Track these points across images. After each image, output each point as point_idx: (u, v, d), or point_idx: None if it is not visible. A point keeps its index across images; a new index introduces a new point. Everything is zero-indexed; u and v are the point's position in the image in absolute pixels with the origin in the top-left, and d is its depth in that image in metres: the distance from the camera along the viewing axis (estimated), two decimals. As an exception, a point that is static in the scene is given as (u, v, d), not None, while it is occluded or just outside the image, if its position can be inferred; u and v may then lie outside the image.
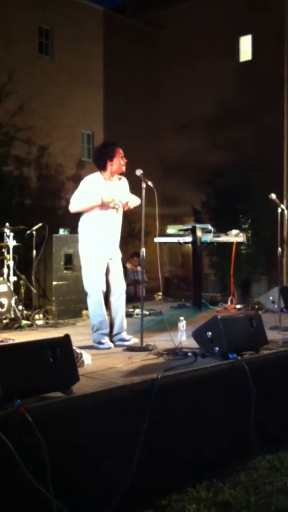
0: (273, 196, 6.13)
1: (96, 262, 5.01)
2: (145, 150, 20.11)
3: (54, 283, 7.24)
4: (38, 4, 18.77)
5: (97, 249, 4.99)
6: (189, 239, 8.59)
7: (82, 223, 5.09)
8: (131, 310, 7.08)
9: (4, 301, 6.57)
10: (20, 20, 18.21)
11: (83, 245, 5.08)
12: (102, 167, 5.07)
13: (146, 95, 22.44)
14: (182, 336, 5.09)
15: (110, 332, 5.12)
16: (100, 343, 4.97)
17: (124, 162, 5.07)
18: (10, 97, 14.62)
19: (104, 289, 5.06)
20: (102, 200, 4.92)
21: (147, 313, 7.15)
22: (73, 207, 5.06)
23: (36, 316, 6.88)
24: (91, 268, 5.04)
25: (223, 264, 13.57)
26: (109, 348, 4.93)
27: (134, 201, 5.06)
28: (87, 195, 5.00)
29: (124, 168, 5.09)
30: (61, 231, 7.27)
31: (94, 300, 5.04)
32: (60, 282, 7.30)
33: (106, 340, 5.00)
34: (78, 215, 5.14)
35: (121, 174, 5.18)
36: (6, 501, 2.70)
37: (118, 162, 5.04)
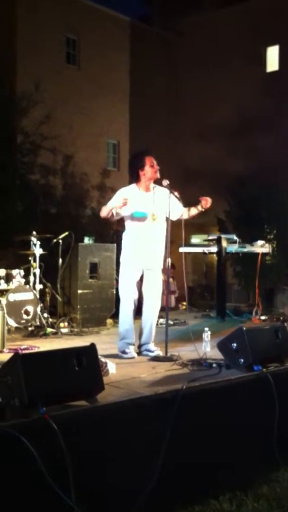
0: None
1: (129, 272, 5.09)
2: (168, 158, 20.06)
3: (79, 291, 7.29)
4: (65, 14, 19.00)
5: (131, 259, 5.08)
6: (214, 249, 8.58)
7: (124, 234, 5.22)
8: (156, 319, 7.06)
9: (30, 308, 6.65)
10: (47, 30, 18.45)
11: (121, 254, 5.21)
12: (136, 178, 5.12)
13: (170, 104, 22.50)
14: (207, 347, 5.07)
15: (139, 340, 5.17)
16: (124, 352, 5.01)
17: (156, 169, 5.07)
18: (36, 106, 14.78)
19: (136, 299, 5.11)
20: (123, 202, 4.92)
21: (172, 323, 7.13)
22: (101, 212, 5.15)
23: (61, 324, 6.94)
24: (123, 277, 5.14)
25: (247, 273, 13.45)
26: (133, 358, 4.94)
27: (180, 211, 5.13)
28: (113, 201, 5.10)
29: (158, 175, 5.07)
30: (86, 240, 7.32)
31: (123, 308, 5.13)
32: (85, 291, 7.35)
33: (130, 349, 5.02)
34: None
35: (155, 182, 5.15)
36: (29, 508, 2.73)
37: (150, 170, 5.05)
